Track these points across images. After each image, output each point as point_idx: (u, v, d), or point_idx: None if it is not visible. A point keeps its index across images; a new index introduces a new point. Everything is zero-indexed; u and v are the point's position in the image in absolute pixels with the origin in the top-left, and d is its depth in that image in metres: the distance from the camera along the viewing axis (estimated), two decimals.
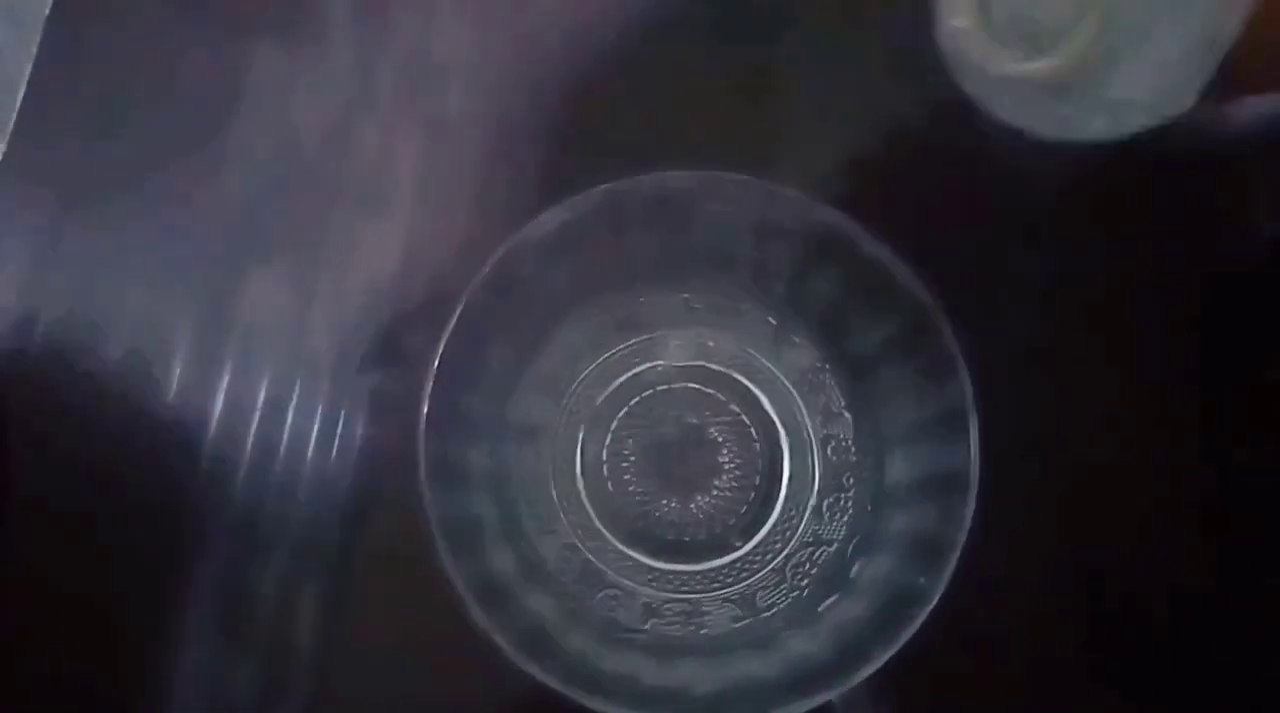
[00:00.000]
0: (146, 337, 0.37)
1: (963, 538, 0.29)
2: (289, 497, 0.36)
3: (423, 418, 0.29)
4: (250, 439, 0.36)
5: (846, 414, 0.35)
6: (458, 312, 0.30)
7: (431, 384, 0.30)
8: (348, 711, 0.34)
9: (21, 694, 0.34)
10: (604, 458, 0.35)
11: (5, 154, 0.38)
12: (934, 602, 0.28)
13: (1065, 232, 0.38)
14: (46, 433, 0.36)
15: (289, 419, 0.37)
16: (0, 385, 0.36)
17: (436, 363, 0.30)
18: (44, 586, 0.34)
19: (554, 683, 0.28)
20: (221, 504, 0.35)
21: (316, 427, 0.37)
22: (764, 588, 0.33)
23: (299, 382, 0.37)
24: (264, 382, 0.37)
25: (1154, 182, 0.37)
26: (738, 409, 0.35)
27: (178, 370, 0.36)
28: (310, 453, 0.36)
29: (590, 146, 0.39)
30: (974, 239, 0.37)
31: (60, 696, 0.34)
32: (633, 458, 0.35)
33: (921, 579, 0.29)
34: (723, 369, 0.35)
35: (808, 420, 0.35)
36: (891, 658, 0.28)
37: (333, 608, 0.35)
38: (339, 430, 0.37)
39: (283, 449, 0.36)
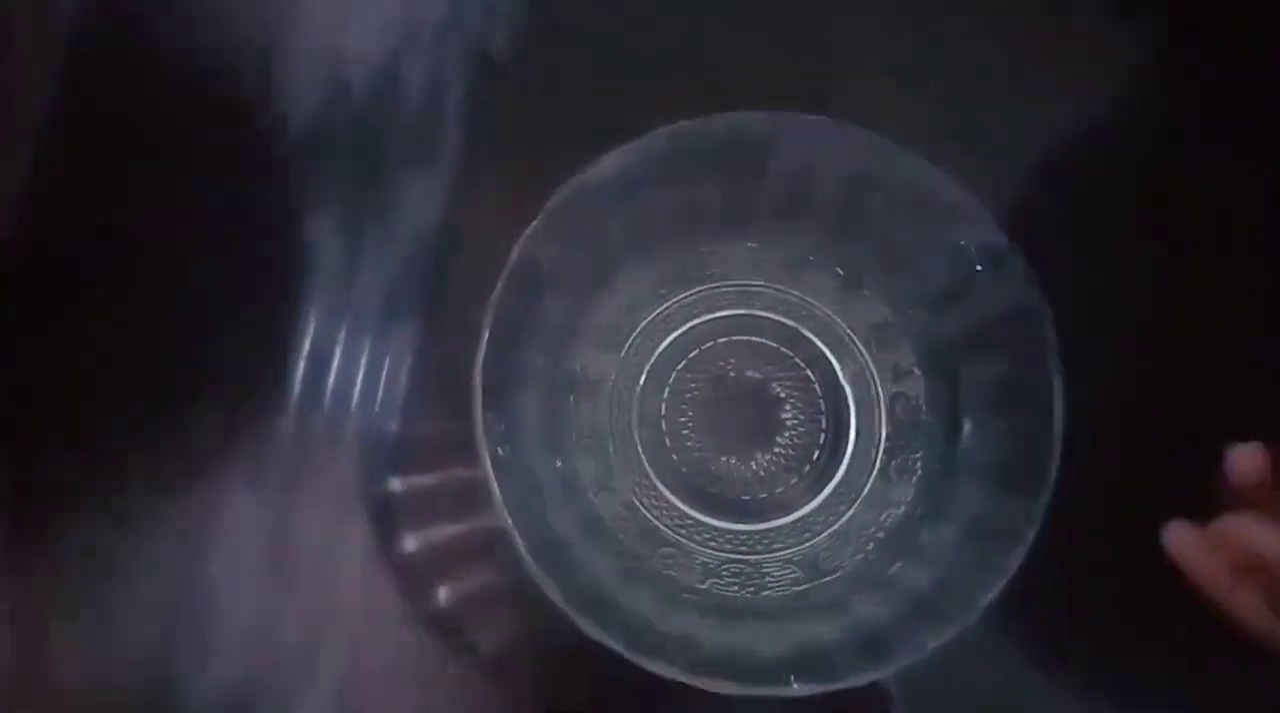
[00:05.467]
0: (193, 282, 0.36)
1: (1038, 518, 0.28)
2: (334, 445, 0.35)
3: (478, 371, 0.28)
4: (296, 387, 0.35)
5: (917, 372, 0.33)
6: (512, 260, 0.29)
7: (486, 336, 0.28)
8: (394, 661, 0.34)
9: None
10: (662, 412, 0.34)
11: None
12: (1008, 577, 0.27)
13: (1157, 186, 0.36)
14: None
15: (334, 367, 0.36)
16: None
17: (491, 314, 0.29)
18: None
19: (612, 643, 0.27)
20: (267, 451, 0.35)
21: (361, 375, 0.36)
22: (827, 550, 0.32)
23: (345, 329, 0.36)
24: (309, 329, 0.36)
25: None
26: (802, 364, 0.34)
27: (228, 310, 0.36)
28: (355, 402, 0.36)
29: (650, 87, 0.37)
30: (1061, 195, 0.35)
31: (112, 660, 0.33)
32: (691, 413, 0.34)
33: (994, 554, 0.28)
34: (787, 321, 0.34)
35: (876, 377, 0.33)
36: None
37: (378, 558, 0.34)
38: (384, 379, 0.36)
39: (328, 397, 0.36)
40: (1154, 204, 0.36)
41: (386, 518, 0.35)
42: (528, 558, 0.27)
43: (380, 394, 0.36)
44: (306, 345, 0.36)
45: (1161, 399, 0.34)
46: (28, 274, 0.34)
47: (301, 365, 0.36)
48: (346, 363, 0.36)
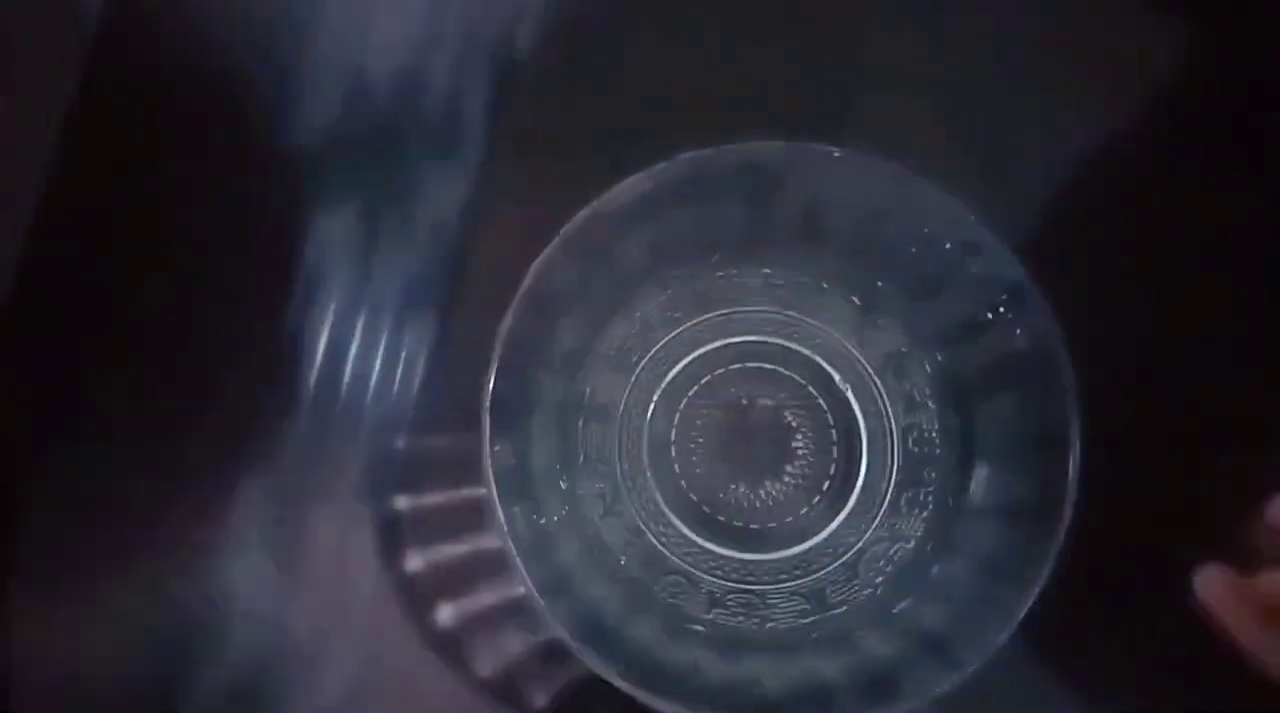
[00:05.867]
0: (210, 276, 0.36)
1: (1053, 558, 0.27)
2: (348, 441, 0.35)
3: (487, 395, 0.28)
4: (312, 382, 0.35)
5: (931, 404, 0.33)
6: (527, 282, 0.29)
7: (496, 360, 0.28)
8: (397, 677, 0.34)
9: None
10: (672, 438, 0.33)
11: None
12: (1019, 617, 0.27)
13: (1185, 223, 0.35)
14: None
15: (350, 362, 0.36)
16: None
17: (504, 335, 0.29)
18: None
19: (614, 676, 0.27)
20: (278, 453, 0.35)
21: (377, 372, 0.36)
22: (834, 583, 0.32)
23: (358, 334, 0.36)
24: (326, 324, 0.36)
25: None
26: (814, 392, 0.33)
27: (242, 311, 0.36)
28: (370, 398, 0.36)
29: (669, 100, 0.36)
30: (1078, 213, 0.35)
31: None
32: (702, 439, 0.33)
33: (1006, 593, 0.27)
34: (800, 349, 0.34)
35: (888, 408, 0.33)
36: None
37: (384, 574, 0.34)
38: (399, 377, 0.36)
39: (343, 392, 0.36)
40: (1172, 221, 0.35)
41: (393, 534, 0.35)
42: (531, 588, 0.27)
43: (391, 405, 0.36)
44: (320, 348, 0.36)
45: (1179, 426, 0.34)
46: (29, 274, 0.34)
47: (315, 368, 0.36)
48: (359, 367, 0.36)
